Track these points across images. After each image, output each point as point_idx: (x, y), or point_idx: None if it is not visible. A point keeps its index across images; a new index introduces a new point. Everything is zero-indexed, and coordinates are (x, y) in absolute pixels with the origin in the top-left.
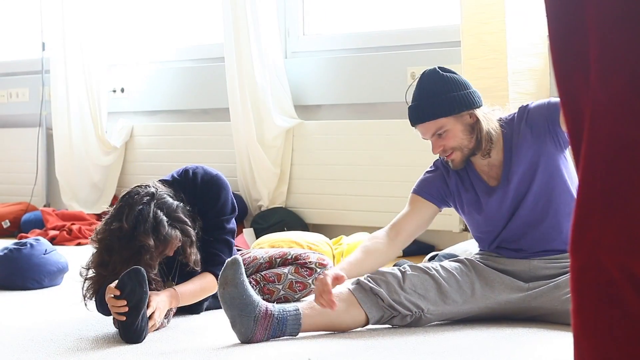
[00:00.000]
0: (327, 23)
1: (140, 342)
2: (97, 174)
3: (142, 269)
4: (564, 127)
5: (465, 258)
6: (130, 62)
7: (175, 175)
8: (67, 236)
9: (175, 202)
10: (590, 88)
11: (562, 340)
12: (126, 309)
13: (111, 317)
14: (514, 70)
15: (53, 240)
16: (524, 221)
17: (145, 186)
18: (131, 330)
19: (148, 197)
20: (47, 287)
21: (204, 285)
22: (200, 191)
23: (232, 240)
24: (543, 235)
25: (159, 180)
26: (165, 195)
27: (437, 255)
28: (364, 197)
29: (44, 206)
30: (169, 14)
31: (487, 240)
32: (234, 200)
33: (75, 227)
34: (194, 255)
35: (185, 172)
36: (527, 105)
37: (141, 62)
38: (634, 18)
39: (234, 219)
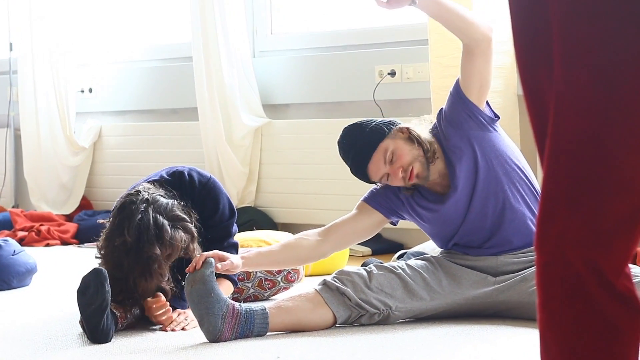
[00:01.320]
0: (295, 22)
1: (108, 341)
2: (66, 175)
3: (103, 269)
4: (470, 95)
5: (431, 256)
6: (98, 62)
7: (165, 176)
8: (35, 237)
9: (170, 201)
10: (554, 83)
11: (529, 335)
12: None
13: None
14: None
15: (22, 241)
16: (478, 212)
17: (137, 192)
18: (97, 330)
19: (145, 204)
20: (15, 287)
21: (225, 293)
22: (198, 196)
23: (237, 242)
24: (500, 223)
25: (148, 182)
26: (158, 196)
27: (405, 253)
28: (333, 195)
29: (13, 207)
30: (137, 13)
31: (444, 238)
32: (231, 201)
33: (44, 228)
34: (198, 251)
35: (179, 173)
36: (442, 107)
37: (109, 62)
38: (596, 13)
39: (235, 221)
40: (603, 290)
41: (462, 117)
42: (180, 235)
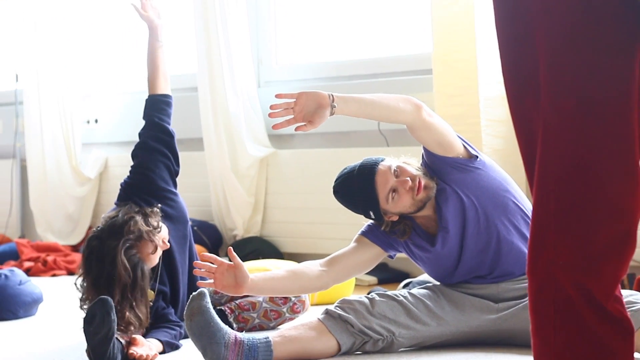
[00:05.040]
0: (300, 52)
1: None
2: (72, 205)
3: (109, 298)
4: (436, 151)
5: (433, 285)
6: (103, 93)
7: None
8: (42, 267)
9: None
10: (541, 111)
11: None
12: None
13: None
14: (486, 97)
15: (28, 272)
16: (473, 250)
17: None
18: (104, 359)
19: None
20: (21, 317)
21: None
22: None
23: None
24: (499, 257)
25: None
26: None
27: (411, 282)
28: (339, 225)
29: (19, 237)
30: (142, 44)
31: (441, 278)
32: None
33: (50, 259)
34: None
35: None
36: (422, 153)
37: (115, 92)
38: (581, 43)
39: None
40: (594, 313)
41: (437, 166)
42: (123, 261)
